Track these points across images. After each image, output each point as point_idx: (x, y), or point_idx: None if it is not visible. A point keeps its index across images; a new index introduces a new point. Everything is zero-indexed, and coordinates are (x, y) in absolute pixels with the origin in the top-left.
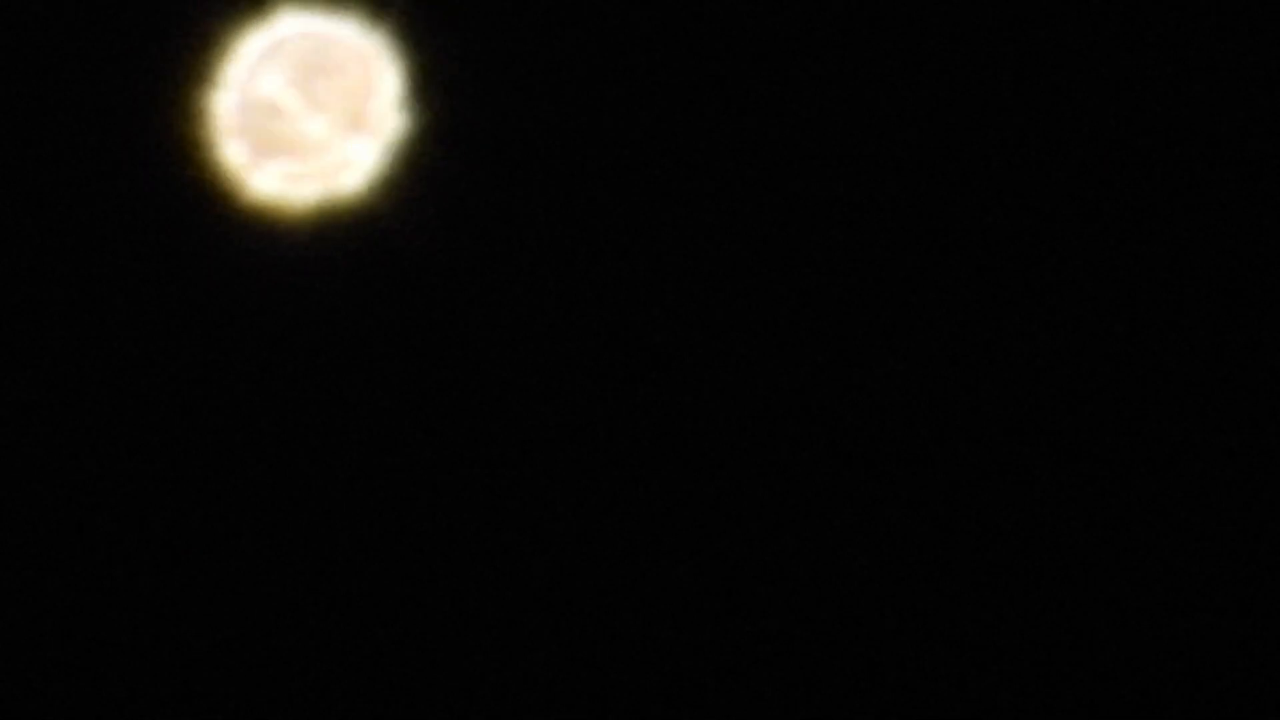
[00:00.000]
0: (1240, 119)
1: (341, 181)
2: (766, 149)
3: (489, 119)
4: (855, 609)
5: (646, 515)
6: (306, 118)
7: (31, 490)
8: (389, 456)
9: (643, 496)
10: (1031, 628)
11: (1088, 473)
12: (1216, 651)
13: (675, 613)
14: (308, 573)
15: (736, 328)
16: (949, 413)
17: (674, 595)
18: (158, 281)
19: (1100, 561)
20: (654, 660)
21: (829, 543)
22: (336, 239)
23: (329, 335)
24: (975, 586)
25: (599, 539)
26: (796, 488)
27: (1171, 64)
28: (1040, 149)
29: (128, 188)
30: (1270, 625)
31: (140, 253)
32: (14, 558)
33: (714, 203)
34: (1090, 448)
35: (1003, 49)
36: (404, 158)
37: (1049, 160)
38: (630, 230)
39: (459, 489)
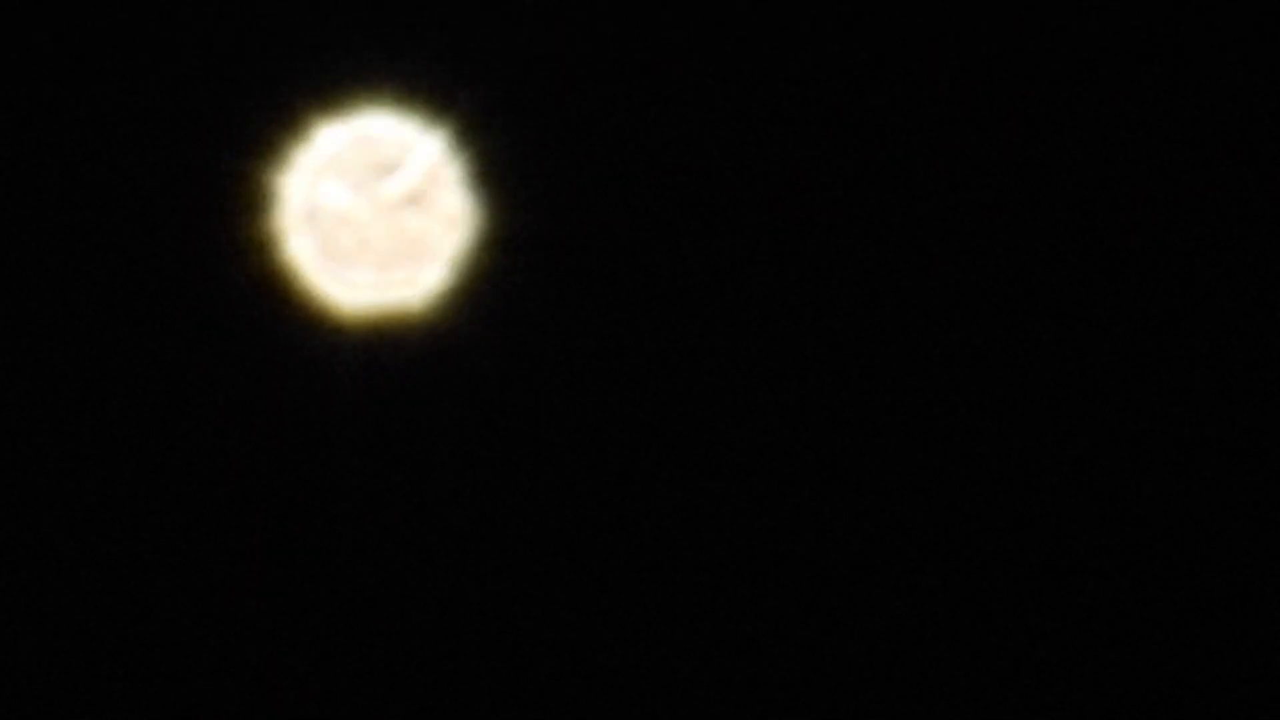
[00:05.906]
0: (1240, 120)
1: (407, 288)
2: (847, 254)
3: (555, 225)
4: (855, 609)
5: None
6: (371, 222)
7: (73, 583)
8: (447, 570)
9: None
10: (1031, 628)
11: (1088, 472)
12: (1216, 651)
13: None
14: (342, 668)
15: (806, 447)
16: (950, 413)
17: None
18: (224, 388)
19: (1100, 561)
20: (655, 662)
21: (832, 544)
22: (401, 346)
23: (389, 443)
24: (976, 586)
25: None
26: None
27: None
28: (1041, 149)
29: (191, 293)
30: (1270, 625)
31: (205, 358)
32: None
33: (791, 321)
34: (1090, 447)
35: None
36: (469, 264)
37: (1050, 161)
38: (702, 342)
39: (527, 608)
